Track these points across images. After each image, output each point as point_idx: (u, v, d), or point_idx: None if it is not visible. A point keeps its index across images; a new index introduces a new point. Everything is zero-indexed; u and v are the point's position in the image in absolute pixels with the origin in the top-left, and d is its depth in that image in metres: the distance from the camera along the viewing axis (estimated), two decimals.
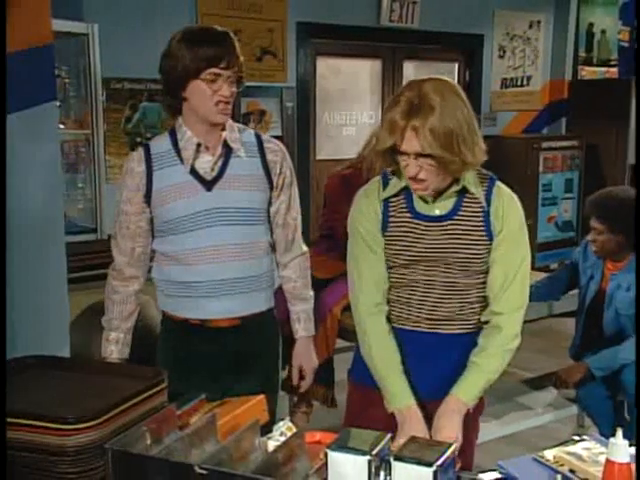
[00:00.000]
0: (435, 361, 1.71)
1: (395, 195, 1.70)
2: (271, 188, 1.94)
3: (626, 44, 5.97)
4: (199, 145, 1.87)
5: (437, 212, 1.67)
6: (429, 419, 1.69)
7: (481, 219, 1.66)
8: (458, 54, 5.31)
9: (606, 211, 2.90)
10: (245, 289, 1.91)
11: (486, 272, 1.69)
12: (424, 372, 1.70)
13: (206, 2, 4.07)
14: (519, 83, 5.54)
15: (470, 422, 1.76)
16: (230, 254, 1.88)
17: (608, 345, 2.89)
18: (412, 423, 1.65)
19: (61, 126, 3.14)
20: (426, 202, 1.68)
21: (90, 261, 2.96)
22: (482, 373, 1.66)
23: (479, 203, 1.67)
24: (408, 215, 1.69)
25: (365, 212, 1.71)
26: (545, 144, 5.16)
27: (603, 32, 5.81)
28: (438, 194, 1.66)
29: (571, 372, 2.94)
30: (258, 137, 1.97)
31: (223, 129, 1.90)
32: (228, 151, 1.90)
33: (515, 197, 1.73)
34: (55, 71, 2.60)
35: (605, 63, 5.87)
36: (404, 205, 1.69)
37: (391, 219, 1.69)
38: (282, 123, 4.45)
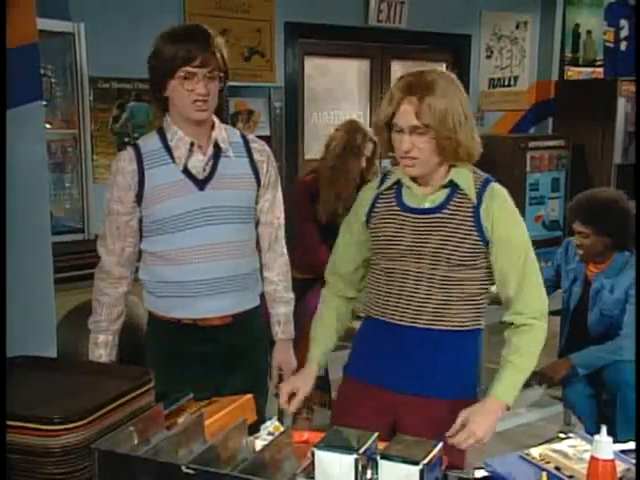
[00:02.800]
0: (421, 356, 1.72)
1: (388, 189, 1.77)
2: (258, 187, 1.96)
3: (611, 45, 6.02)
4: (192, 144, 1.88)
5: (427, 205, 1.71)
6: (417, 414, 1.70)
7: (470, 215, 1.68)
8: (446, 54, 5.32)
9: (590, 214, 2.89)
10: (237, 287, 1.93)
11: (478, 268, 1.71)
12: (409, 366, 1.72)
13: (194, 2, 4.06)
14: (506, 83, 5.57)
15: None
16: (222, 253, 1.89)
17: (593, 345, 2.91)
18: (302, 371, 1.84)
19: (48, 126, 3.12)
20: (417, 195, 1.72)
21: (77, 261, 2.94)
22: (519, 373, 1.68)
23: (469, 199, 1.69)
24: (396, 208, 1.74)
25: (360, 200, 1.84)
26: (532, 144, 5.18)
27: (589, 33, 5.85)
28: (430, 188, 1.71)
29: (556, 368, 2.96)
30: (244, 137, 1.99)
31: (213, 128, 1.91)
32: (218, 151, 1.91)
33: (509, 199, 1.74)
34: (41, 70, 2.58)
35: (591, 63, 5.91)
36: (393, 198, 1.76)
37: (376, 211, 1.77)
38: (270, 123, 4.45)
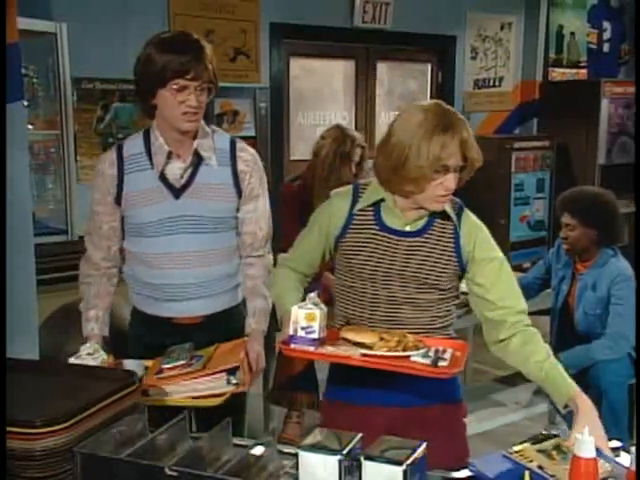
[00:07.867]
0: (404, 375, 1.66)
1: (363, 209, 1.71)
2: (239, 197, 1.94)
3: (595, 46, 6.07)
4: (170, 152, 1.88)
5: (408, 228, 1.69)
6: (412, 423, 1.68)
7: (451, 240, 1.69)
8: (431, 55, 5.35)
9: (579, 206, 2.93)
10: (208, 292, 1.94)
11: (451, 289, 1.71)
12: (395, 381, 1.65)
13: (178, 2, 4.04)
14: (491, 84, 5.59)
15: (458, 424, 1.80)
16: (195, 261, 1.90)
17: (580, 344, 2.93)
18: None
19: (30, 127, 3.09)
20: (399, 217, 1.68)
21: (61, 263, 2.92)
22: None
23: (451, 223, 1.69)
24: (375, 228, 1.70)
25: (333, 208, 1.74)
26: (517, 144, 5.21)
27: (572, 34, 5.89)
28: (416, 214, 1.68)
29: None
30: (233, 144, 1.96)
31: (195, 137, 1.89)
32: (199, 159, 1.90)
33: (482, 224, 1.76)
34: (23, 71, 2.56)
35: (575, 65, 5.95)
36: (372, 218, 1.70)
37: (352, 230, 1.70)
38: (255, 123, 4.44)
